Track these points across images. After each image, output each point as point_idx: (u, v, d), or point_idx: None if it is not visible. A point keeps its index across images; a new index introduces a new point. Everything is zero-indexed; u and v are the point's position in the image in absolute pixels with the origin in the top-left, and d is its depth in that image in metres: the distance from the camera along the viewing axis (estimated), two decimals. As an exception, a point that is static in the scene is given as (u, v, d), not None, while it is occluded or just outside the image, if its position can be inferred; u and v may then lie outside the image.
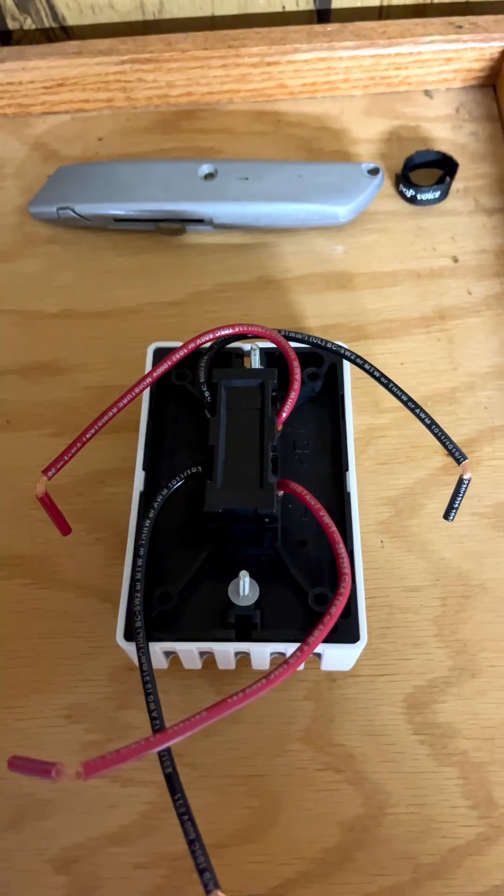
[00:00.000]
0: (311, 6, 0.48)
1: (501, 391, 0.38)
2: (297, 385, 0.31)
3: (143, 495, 0.31)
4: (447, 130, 0.47)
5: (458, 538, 0.35)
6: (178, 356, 0.31)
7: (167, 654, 0.30)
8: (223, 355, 0.34)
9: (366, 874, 0.29)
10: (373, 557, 0.34)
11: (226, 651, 0.29)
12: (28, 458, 0.37)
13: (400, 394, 0.31)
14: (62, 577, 0.35)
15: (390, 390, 0.31)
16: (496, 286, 0.41)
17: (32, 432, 0.38)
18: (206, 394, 0.31)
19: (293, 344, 0.32)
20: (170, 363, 0.31)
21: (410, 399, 0.30)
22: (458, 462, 0.29)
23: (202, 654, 0.30)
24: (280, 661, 0.25)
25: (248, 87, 0.46)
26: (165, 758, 0.25)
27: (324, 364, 0.34)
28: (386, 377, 0.31)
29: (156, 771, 0.31)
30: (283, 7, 0.48)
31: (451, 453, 0.29)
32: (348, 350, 0.32)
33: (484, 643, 0.33)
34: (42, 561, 0.35)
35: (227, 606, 0.29)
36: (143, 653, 0.27)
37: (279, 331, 0.32)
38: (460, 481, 0.29)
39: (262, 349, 0.33)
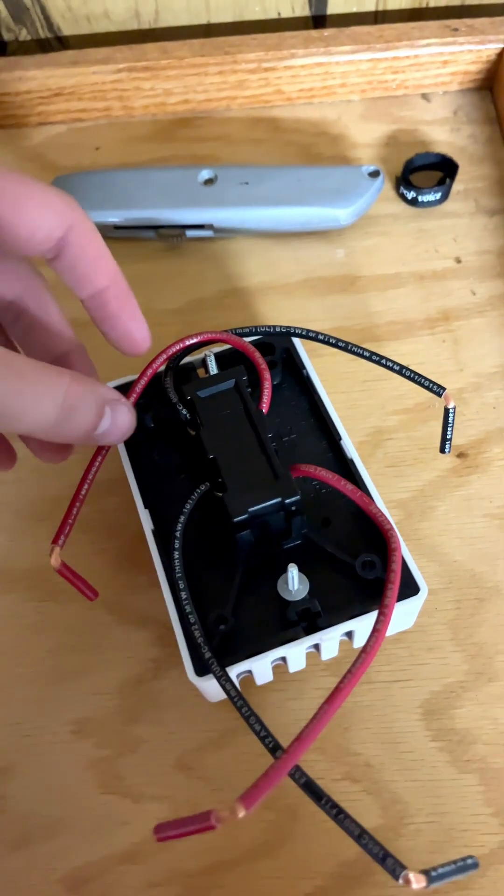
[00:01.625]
0: (306, 12, 0.48)
1: (509, 391, 0.38)
2: (266, 374, 0.31)
3: (155, 533, 0.31)
4: (445, 133, 0.46)
5: (470, 540, 0.34)
6: (141, 385, 0.31)
7: (238, 675, 0.29)
8: (180, 373, 0.33)
9: (386, 887, 0.28)
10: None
11: (299, 651, 0.28)
12: (25, 470, 0.36)
13: (361, 351, 0.31)
14: (67, 590, 0.34)
15: (351, 351, 0.31)
16: (500, 286, 0.41)
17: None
18: (184, 412, 0.31)
19: (249, 339, 0.32)
20: (136, 395, 0.31)
21: (374, 353, 0.31)
22: (438, 395, 0.30)
23: (273, 663, 0.29)
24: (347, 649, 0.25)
25: (245, 94, 0.46)
26: (298, 770, 0.24)
27: (276, 351, 0.34)
28: (343, 341, 0.31)
29: (166, 785, 0.30)
30: (279, 13, 0.48)
31: (428, 388, 0.30)
32: (295, 328, 0.32)
33: (500, 646, 0.32)
34: (45, 573, 0.34)
35: (282, 606, 0.28)
36: (226, 681, 0.25)
37: (227, 331, 0.32)
38: (446, 412, 0.30)
39: (215, 354, 0.33)
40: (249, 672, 0.28)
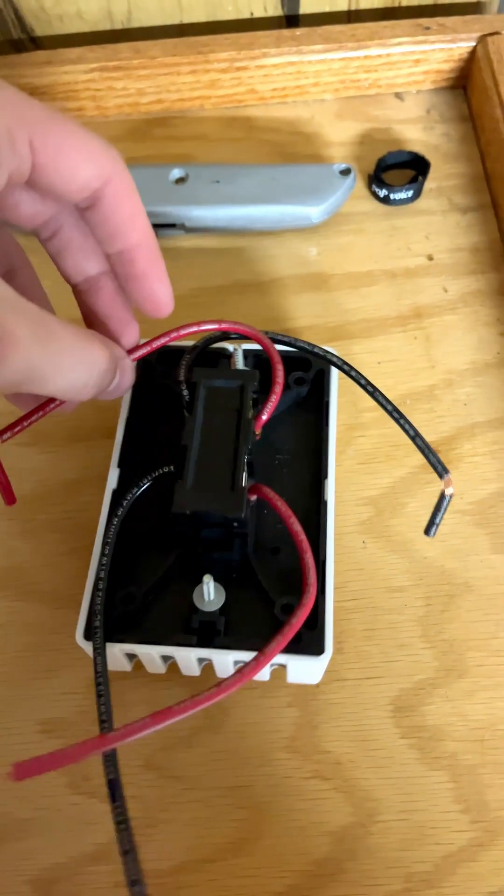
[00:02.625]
0: (279, 12, 0.48)
1: (480, 388, 0.38)
2: (278, 389, 0.30)
3: (115, 493, 0.31)
4: (419, 132, 0.46)
5: (440, 536, 0.34)
6: (158, 343, 0.30)
7: (130, 656, 0.30)
8: (208, 355, 0.33)
9: (358, 885, 0.28)
10: (355, 559, 0.34)
11: (187, 657, 0.28)
12: None
13: (385, 403, 0.30)
14: (37, 589, 0.34)
15: (377, 399, 0.30)
16: (472, 283, 0.41)
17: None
18: (185, 392, 0.31)
19: (280, 347, 0.32)
20: (149, 348, 0.30)
21: (396, 409, 0.30)
22: (441, 476, 0.28)
23: (165, 658, 0.30)
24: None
25: (218, 93, 0.46)
26: (109, 762, 0.24)
27: (311, 369, 0.33)
28: (372, 385, 0.30)
29: (138, 786, 0.30)
30: (252, 13, 0.48)
31: (433, 467, 0.28)
32: (336, 356, 0.31)
33: (470, 642, 0.32)
34: (16, 572, 0.34)
35: (191, 611, 0.28)
36: (99, 653, 0.26)
37: (266, 332, 0.31)
38: (442, 496, 0.28)
39: (246, 350, 0.33)
40: (136, 655, 0.29)
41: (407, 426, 0.29)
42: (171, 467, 0.30)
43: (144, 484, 0.29)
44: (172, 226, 0.41)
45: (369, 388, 0.30)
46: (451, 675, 0.32)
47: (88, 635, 0.28)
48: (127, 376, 0.27)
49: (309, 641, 0.28)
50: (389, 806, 0.29)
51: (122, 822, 0.23)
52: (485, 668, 0.32)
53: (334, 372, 0.33)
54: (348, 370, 0.31)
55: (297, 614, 0.25)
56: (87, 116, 0.47)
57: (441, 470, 0.28)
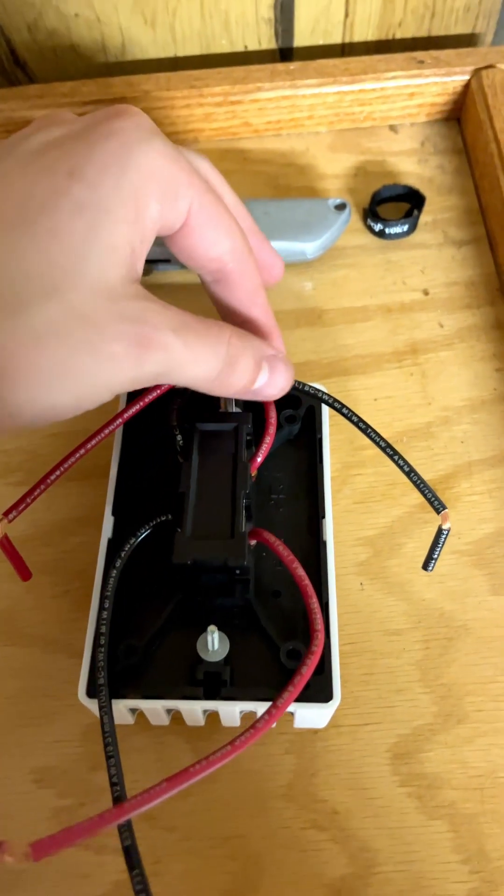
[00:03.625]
0: (273, 45, 0.48)
1: (476, 425, 0.37)
2: (272, 430, 0.30)
3: (111, 542, 0.30)
4: (413, 164, 0.46)
5: (438, 578, 0.34)
6: (150, 397, 0.30)
7: (133, 710, 0.29)
8: (199, 395, 0.33)
9: (355, 940, 0.28)
10: (352, 601, 0.33)
11: (193, 710, 0.28)
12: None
13: (378, 440, 0.30)
14: (29, 633, 0.33)
15: (369, 436, 0.30)
16: (468, 318, 0.41)
17: (-3, 481, 0.37)
18: (179, 438, 0.30)
19: None
20: (142, 403, 0.30)
21: (389, 445, 0.30)
22: (438, 511, 0.28)
23: (169, 711, 0.29)
24: (252, 719, 0.24)
25: (212, 126, 0.46)
26: (125, 830, 0.23)
27: (301, 406, 0.33)
28: (364, 422, 0.30)
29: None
30: (246, 47, 0.48)
31: (430, 502, 0.28)
32: (326, 393, 0.31)
33: (469, 687, 0.32)
34: (7, 615, 0.34)
35: (195, 662, 0.27)
36: (106, 713, 0.26)
37: None
38: (439, 532, 0.28)
39: None
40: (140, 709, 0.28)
41: (401, 462, 0.29)
42: (169, 516, 0.29)
43: (142, 534, 0.29)
44: (167, 261, 0.41)
45: (361, 425, 0.30)
46: (450, 720, 0.31)
47: (92, 693, 0.27)
48: (279, 374, 0.28)
49: (317, 688, 0.27)
50: (388, 856, 0.29)
51: (141, 891, 0.22)
52: (484, 712, 0.31)
53: (325, 409, 0.33)
54: (339, 408, 0.31)
55: (306, 663, 0.24)
56: (81, 149, 0.47)
57: (438, 505, 0.28)
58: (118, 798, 0.24)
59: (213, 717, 0.30)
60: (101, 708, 0.26)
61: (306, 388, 0.31)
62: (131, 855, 0.23)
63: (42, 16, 0.45)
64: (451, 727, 0.31)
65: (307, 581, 0.26)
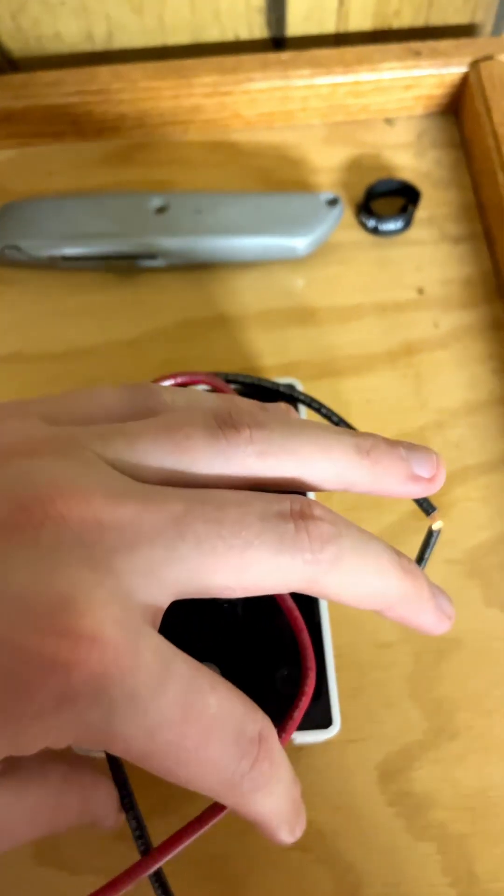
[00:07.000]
0: (265, 34, 0.47)
1: (472, 428, 0.36)
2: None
3: None
4: (410, 158, 0.45)
5: (430, 588, 0.32)
6: None
7: None
8: None
9: None
10: (342, 612, 0.32)
11: None
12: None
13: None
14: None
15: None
16: (464, 317, 0.39)
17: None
18: None
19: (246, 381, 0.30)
20: None
21: None
22: (427, 513, 0.27)
23: None
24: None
25: (202, 118, 0.45)
26: (158, 882, 0.23)
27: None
28: (337, 416, 0.29)
29: (106, 854, 0.29)
30: (237, 36, 0.47)
31: (418, 504, 0.27)
32: (300, 391, 0.30)
33: (460, 702, 0.30)
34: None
35: None
36: (113, 760, 0.24)
37: (220, 374, 0.30)
38: (430, 533, 0.27)
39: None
40: None
41: None
42: None
43: None
44: (153, 257, 0.39)
45: (334, 419, 0.29)
46: (441, 736, 0.30)
47: None
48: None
49: (315, 715, 0.26)
50: (374, 878, 0.28)
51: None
52: (476, 729, 0.30)
53: (302, 408, 0.32)
54: (318, 407, 0.29)
55: (298, 705, 0.23)
56: (65, 141, 0.46)
57: (428, 507, 0.27)
58: (145, 853, 0.23)
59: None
60: (108, 758, 0.24)
61: (279, 387, 0.30)
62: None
63: (27, 3, 0.44)
64: (441, 743, 0.30)
65: (297, 613, 0.25)
